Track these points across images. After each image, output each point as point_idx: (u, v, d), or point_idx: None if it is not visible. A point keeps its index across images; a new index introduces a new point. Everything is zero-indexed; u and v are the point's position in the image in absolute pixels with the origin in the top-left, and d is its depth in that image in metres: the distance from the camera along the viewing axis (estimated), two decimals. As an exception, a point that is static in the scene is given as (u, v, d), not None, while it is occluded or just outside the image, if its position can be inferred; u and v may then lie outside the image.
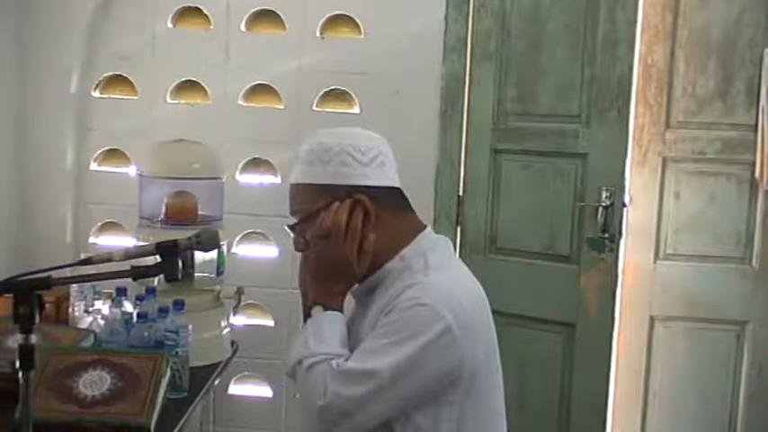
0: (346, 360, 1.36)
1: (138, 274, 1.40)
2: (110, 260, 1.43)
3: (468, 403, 1.40)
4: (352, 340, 1.43)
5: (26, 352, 1.36)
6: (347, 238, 1.43)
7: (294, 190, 1.50)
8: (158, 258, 1.46)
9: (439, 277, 1.41)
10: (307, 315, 1.48)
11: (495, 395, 1.48)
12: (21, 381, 1.38)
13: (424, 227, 1.52)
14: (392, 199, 1.48)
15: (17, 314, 1.35)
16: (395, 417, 1.37)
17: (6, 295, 1.38)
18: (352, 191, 1.44)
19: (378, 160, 1.46)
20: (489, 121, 2.70)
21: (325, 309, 1.44)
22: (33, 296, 1.35)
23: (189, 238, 1.45)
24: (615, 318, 2.58)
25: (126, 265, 1.44)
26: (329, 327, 1.42)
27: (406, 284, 1.39)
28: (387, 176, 1.47)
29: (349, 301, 1.52)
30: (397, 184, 1.49)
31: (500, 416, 1.50)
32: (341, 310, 1.46)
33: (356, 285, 1.50)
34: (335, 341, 1.41)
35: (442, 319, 1.34)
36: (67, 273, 1.55)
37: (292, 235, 1.52)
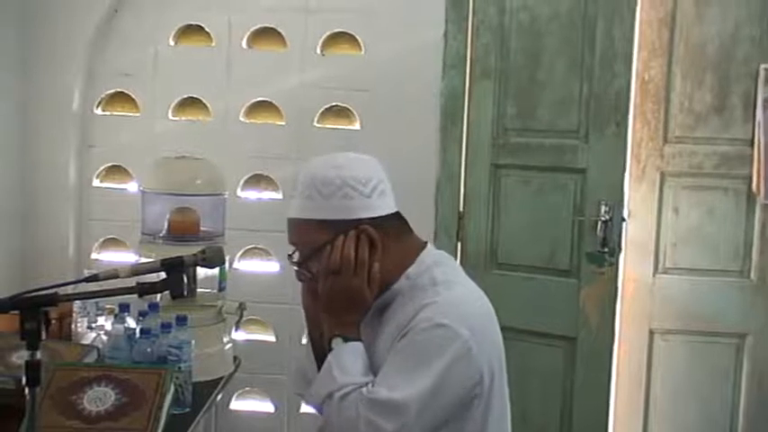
0: (374, 386, 1.38)
1: (144, 290, 1.42)
2: (116, 277, 1.44)
3: (488, 413, 1.44)
4: (370, 364, 1.45)
5: (33, 368, 1.37)
6: (357, 270, 1.45)
7: (294, 224, 1.52)
8: (163, 274, 1.48)
9: (450, 294, 1.44)
10: (327, 346, 1.48)
11: (505, 405, 1.53)
12: (27, 397, 1.39)
13: (425, 244, 1.55)
14: (393, 223, 1.50)
15: (24, 330, 1.36)
16: None
17: (12, 312, 1.40)
18: (356, 223, 1.45)
19: (378, 189, 1.48)
20: (489, 136, 2.72)
21: (345, 340, 1.46)
22: (40, 313, 1.37)
23: (194, 255, 1.47)
24: (615, 331, 2.59)
25: (131, 282, 1.45)
26: (351, 357, 1.44)
27: (420, 305, 1.42)
28: (387, 204, 1.50)
29: None
30: (394, 210, 1.52)
31: (508, 426, 1.55)
32: (360, 339, 1.47)
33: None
34: (359, 370, 1.43)
35: (460, 336, 1.37)
36: (70, 289, 1.56)
37: (295, 268, 1.54)
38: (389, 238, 1.47)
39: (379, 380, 1.39)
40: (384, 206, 1.48)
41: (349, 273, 1.44)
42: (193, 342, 2.06)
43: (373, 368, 1.43)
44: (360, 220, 1.45)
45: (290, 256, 1.54)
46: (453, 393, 1.38)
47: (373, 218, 1.46)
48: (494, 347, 1.46)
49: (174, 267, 1.45)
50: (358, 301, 1.47)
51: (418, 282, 1.47)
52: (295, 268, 1.54)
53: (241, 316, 2.46)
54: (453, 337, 1.37)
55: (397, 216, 1.52)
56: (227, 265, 2.50)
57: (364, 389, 1.38)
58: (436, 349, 1.37)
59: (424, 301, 1.42)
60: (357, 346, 1.46)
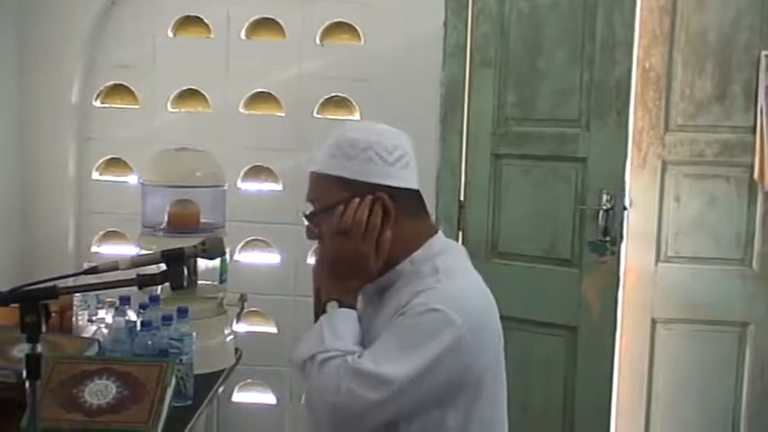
0: (360, 357, 1.36)
1: (144, 282, 1.41)
2: (115, 269, 1.44)
3: (475, 406, 1.41)
4: (364, 339, 1.44)
5: (33, 361, 1.36)
6: (366, 235, 1.43)
7: (313, 178, 1.49)
8: (163, 266, 1.47)
9: (450, 282, 1.42)
10: (321, 311, 1.47)
11: (499, 400, 1.49)
12: (27, 390, 1.39)
13: (436, 231, 1.53)
14: (409, 201, 1.48)
15: (24, 324, 1.36)
16: (403, 418, 1.39)
17: (12, 305, 1.39)
18: (373, 188, 1.43)
19: (403, 161, 1.46)
20: (489, 126, 2.71)
21: (341, 305, 1.44)
22: (40, 306, 1.36)
23: (194, 246, 1.46)
24: (617, 320, 2.59)
25: (131, 274, 1.45)
26: (344, 323, 1.42)
27: (418, 289, 1.40)
28: (408, 178, 1.47)
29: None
30: (416, 186, 1.49)
31: (503, 421, 1.51)
32: (355, 307, 1.46)
33: (368, 284, 1.50)
34: (349, 337, 1.41)
35: (453, 323, 1.35)
36: (71, 282, 1.56)
37: (306, 223, 1.51)
38: (403, 214, 1.46)
39: (367, 353, 1.37)
40: (405, 179, 1.46)
41: (357, 236, 1.42)
42: (194, 334, 2.05)
43: (368, 345, 1.41)
44: (377, 186, 1.43)
45: (303, 213, 1.51)
46: (439, 380, 1.36)
47: (391, 187, 1.44)
48: (490, 342, 1.44)
49: (175, 259, 1.44)
50: (361, 268, 1.44)
51: (421, 268, 1.45)
52: (305, 223, 1.50)
53: (242, 308, 2.46)
54: (447, 323, 1.35)
55: (415, 194, 1.50)
56: (227, 256, 2.50)
57: (349, 357, 1.36)
58: (428, 333, 1.35)
59: (423, 287, 1.40)
60: (351, 314, 1.44)
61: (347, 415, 1.35)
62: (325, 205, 1.46)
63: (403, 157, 1.46)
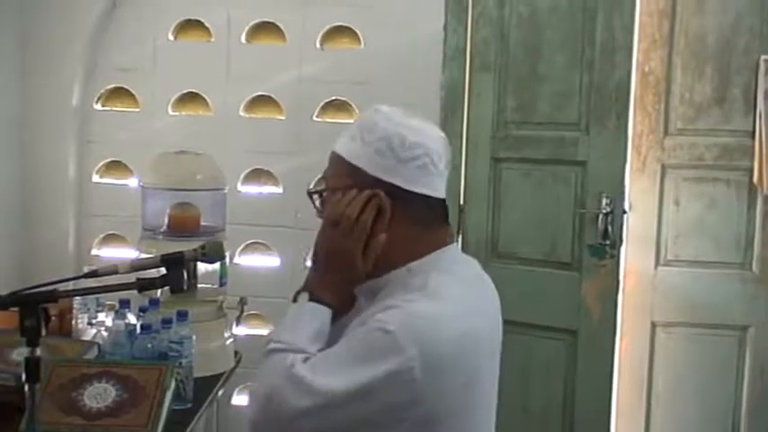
0: (306, 360, 1.26)
1: (144, 286, 1.41)
2: (115, 272, 1.44)
3: None
4: (334, 340, 1.32)
5: (33, 365, 1.36)
6: (354, 232, 1.31)
7: (332, 157, 1.37)
8: (162, 270, 1.47)
9: (426, 305, 1.25)
10: (293, 299, 1.38)
11: None
12: (27, 393, 1.39)
13: (447, 244, 1.37)
14: (418, 207, 1.33)
15: (23, 327, 1.36)
16: None
17: (12, 309, 1.39)
18: (376, 184, 1.31)
19: (419, 161, 1.31)
20: (489, 129, 2.72)
21: (312, 298, 1.34)
22: (39, 309, 1.36)
23: (195, 250, 1.46)
24: (617, 324, 2.59)
25: (131, 277, 1.45)
26: (306, 318, 1.32)
27: (391, 303, 1.26)
28: (422, 182, 1.32)
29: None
30: (433, 194, 1.34)
31: None
32: (329, 304, 1.33)
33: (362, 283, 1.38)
34: (305, 334, 1.30)
35: (401, 352, 1.20)
36: (71, 285, 1.56)
37: (311, 200, 1.41)
38: (405, 218, 1.31)
39: (314, 360, 1.26)
40: (417, 181, 1.31)
41: (344, 231, 1.31)
42: (194, 337, 2.06)
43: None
44: (380, 182, 1.30)
45: (309, 189, 1.43)
46: (374, 406, 1.22)
47: (397, 186, 1.30)
48: (454, 385, 1.25)
49: (175, 262, 1.44)
50: (344, 264, 1.32)
51: (413, 280, 1.31)
52: (312, 201, 1.41)
53: (242, 311, 2.47)
54: (393, 350, 1.20)
55: (431, 201, 1.34)
56: (227, 260, 2.50)
57: (296, 356, 1.26)
58: (371, 353, 1.21)
59: (397, 302, 1.25)
60: (319, 309, 1.33)
61: (274, 414, 1.25)
62: (329, 188, 1.36)
63: (420, 158, 1.31)
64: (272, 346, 1.30)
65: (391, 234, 1.32)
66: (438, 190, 1.35)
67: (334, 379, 1.22)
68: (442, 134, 1.38)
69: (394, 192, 1.31)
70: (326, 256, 1.35)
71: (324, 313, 1.33)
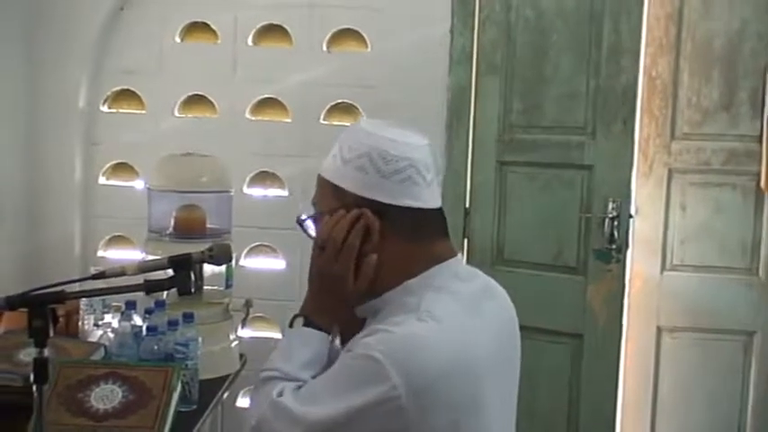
0: (299, 388, 1.25)
1: (152, 287, 1.41)
2: (123, 274, 1.44)
3: None
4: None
5: (41, 366, 1.36)
6: (341, 255, 1.27)
7: (318, 180, 1.33)
8: (169, 272, 1.47)
9: (414, 329, 1.19)
10: (289, 324, 1.36)
11: None
12: (34, 394, 1.39)
13: (445, 259, 1.30)
14: (410, 223, 1.27)
15: (32, 328, 1.36)
16: None
17: (20, 309, 1.40)
18: (361, 202, 1.26)
19: (403, 174, 1.25)
20: (495, 133, 2.72)
21: (306, 323, 1.32)
22: (47, 310, 1.36)
23: (202, 252, 1.45)
24: (623, 328, 2.59)
25: (138, 279, 1.45)
26: (299, 344, 1.30)
27: (379, 327, 1.21)
28: (409, 195, 1.26)
29: None
30: (424, 206, 1.28)
31: None
32: (324, 329, 1.31)
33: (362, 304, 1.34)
34: (298, 361, 1.28)
35: (386, 381, 1.14)
36: (76, 287, 1.56)
37: (301, 229, 1.37)
38: (396, 234, 1.26)
39: (305, 387, 1.25)
40: (402, 194, 1.25)
41: (331, 254, 1.27)
42: (200, 339, 2.06)
43: None
44: (365, 200, 1.25)
45: (298, 217, 1.38)
46: None
47: (383, 203, 1.25)
48: (444, 414, 1.18)
49: (182, 264, 1.44)
50: (335, 288, 1.29)
51: (409, 299, 1.24)
52: (304, 228, 1.36)
53: (248, 313, 2.46)
54: (378, 378, 1.15)
55: (424, 214, 1.28)
56: (233, 262, 2.50)
57: (289, 384, 1.25)
58: (355, 381, 1.17)
59: (384, 326, 1.20)
60: (313, 335, 1.30)
61: None
62: (318, 212, 1.32)
63: (404, 170, 1.25)
64: (264, 374, 1.30)
65: (384, 253, 1.27)
66: (429, 201, 1.29)
67: (318, 408, 1.19)
68: (427, 142, 1.32)
69: (381, 209, 1.26)
70: (317, 281, 1.33)
71: (317, 338, 1.31)
